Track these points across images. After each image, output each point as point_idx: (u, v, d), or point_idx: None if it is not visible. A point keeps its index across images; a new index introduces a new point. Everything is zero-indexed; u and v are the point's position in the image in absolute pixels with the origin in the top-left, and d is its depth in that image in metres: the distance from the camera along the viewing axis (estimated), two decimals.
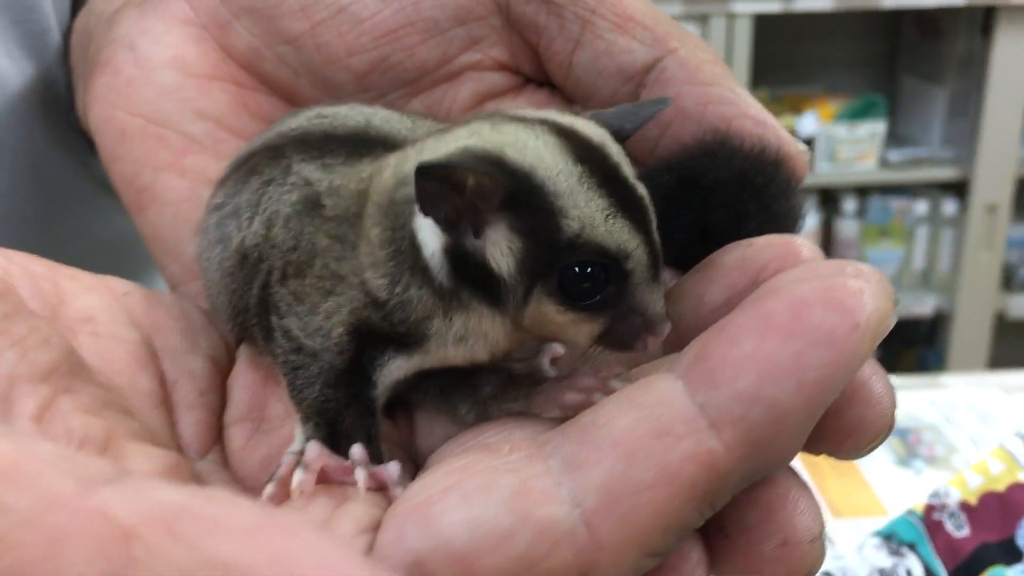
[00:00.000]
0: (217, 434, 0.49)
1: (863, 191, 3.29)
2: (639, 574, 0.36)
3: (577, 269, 0.42)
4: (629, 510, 0.34)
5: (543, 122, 0.44)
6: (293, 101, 0.59)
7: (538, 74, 0.57)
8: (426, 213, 0.42)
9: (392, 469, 0.42)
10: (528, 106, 0.56)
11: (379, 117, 0.51)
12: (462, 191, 0.41)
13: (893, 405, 0.41)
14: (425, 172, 0.40)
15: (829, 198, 3.33)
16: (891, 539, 0.96)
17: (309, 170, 0.47)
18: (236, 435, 0.49)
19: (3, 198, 0.69)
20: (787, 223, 0.48)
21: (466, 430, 0.46)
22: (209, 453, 0.48)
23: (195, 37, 0.58)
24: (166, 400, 0.48)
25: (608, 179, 0.42)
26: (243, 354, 0.51)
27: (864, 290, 0.35)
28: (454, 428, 0.47)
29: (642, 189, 0.43)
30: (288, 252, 0.46)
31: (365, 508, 0.39)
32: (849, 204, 3.28)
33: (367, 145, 0.48)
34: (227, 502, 0.27)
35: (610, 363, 0.45)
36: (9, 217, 0.69)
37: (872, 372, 0.40)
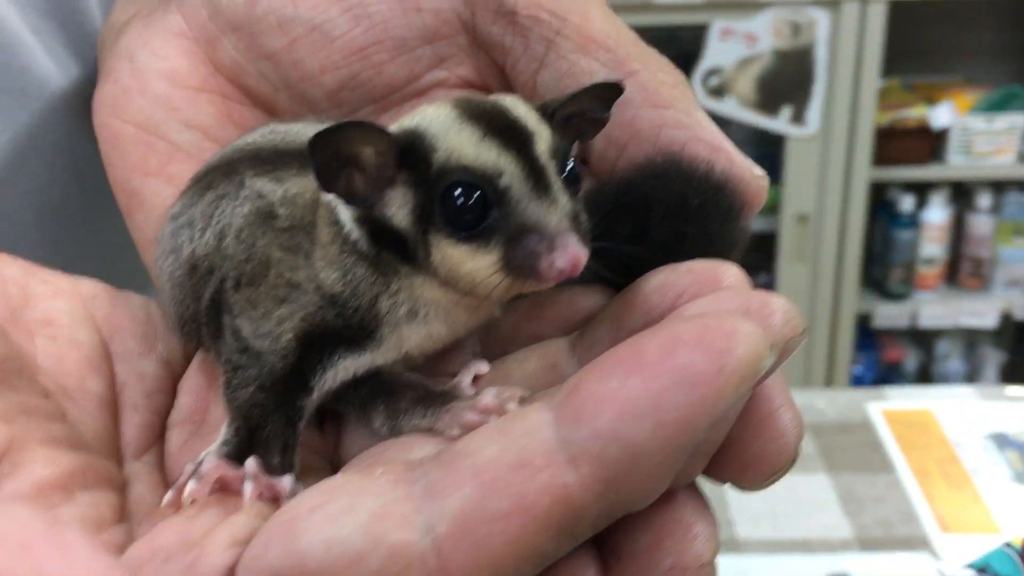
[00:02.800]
0: (159, 435, 0.51)
1: (999, 186, 3.15)
2: None
3: (452, 194, 0.43)
4: (481, 538, 0.35)
5: (456, 99, 0.46)
6: (274, 114, 0.61)
7: (506, 92, 0.57)
8: (324, 187, 0.44)
9: (285, 482, 0.44)
10: None
11: None
12: (357, 159, 0.44)
13: (798, 438, 0.41)
14: (316, 143, 0.42)
15: (962, 192, 3.20)
16: (985, 573, 0.92)
17: (262, 183, 0.49)
18: (175, 437, 0.51)
19: (42, 193, 0.72)
20: (724, 247, 0.47)
21: (375, 445, 0.48)
22: (146, 454, 0.50)
23: (187, 51, 0.61)
24: (113, 402, 0.50)
25: (487, 118, 0.44)
26: (197, 358, 0.54)
27: (739, 333, 0.35)
28: (373, 440, 0.49)
29: (535, 128, 0.45)
30: (242, 263, 0.48)
31: (248, 521, 0.41)
32: (983, 200, 3.14)
33: None
34: (11, 516, 0.29)
35: (513, 386, 0.46)
36: (47, 212, 0.73)
37: (780, 404, 0.41)
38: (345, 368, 0.48)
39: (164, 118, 0.60)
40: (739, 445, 0.40)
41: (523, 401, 0.44)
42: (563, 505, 0.35)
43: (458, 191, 0.43)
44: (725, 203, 0.48)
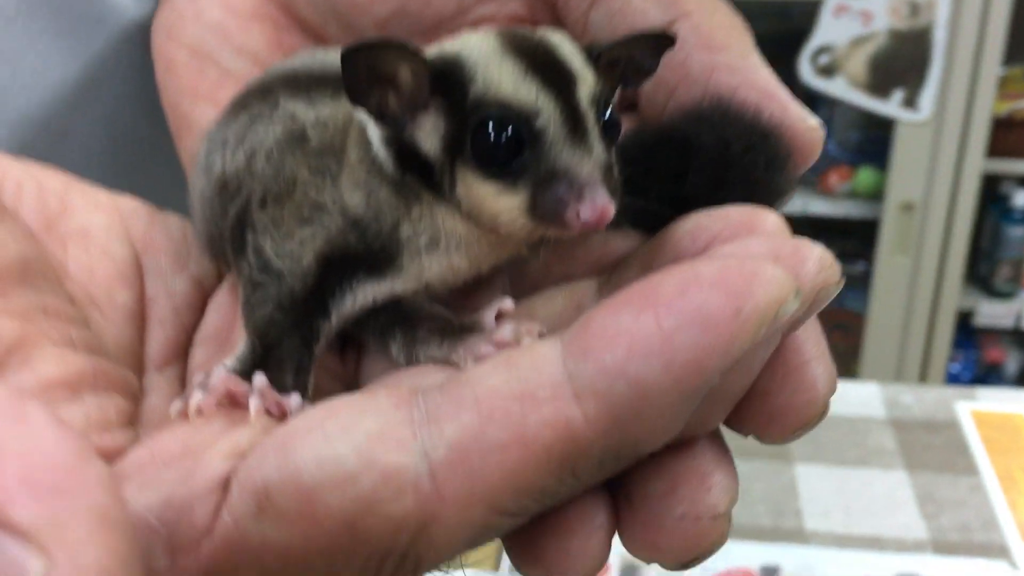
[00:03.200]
0: (184, 351, 0.52)
1: None
2: (496, 530, 0.37)
3: (485, 129, 0.42)
4: (476, 467, 0.34)
5: (502, 30, 0.45)
6: (323, 42, 0.61)
7: (558, 28, 0.57)
8: (354, 101, 0.43)
9: (293, 400, 0.44)
10: None
11: None
12: (392, 78, 0.43)
13: (828, 392, 0.39)
14: (349, 56, 0.41)
15: None
16: None
17: (295, 106, 0.49)
18: (199, 353, 0.52)
19: (113, 120, 0.74)
20: (768, 197, 0.45)
21: (390, 372, 0.48)
22: (168, 368, 0.50)
23: None
24: (140, 314, 0.51)
25: (531, 54, 0.43)
26: (229, 279, 0.54)
27: (761, 275, 0.33)
28: (392, 368, 0.49)
29: (579, 71, 0.43)
30: (269, 182, 0.48)
31: (251, 434, 0.40)
32: None
33: None
34: None
35: (533, 321, 0.45)
36: (118, 138, 0.75)
37: (812, 356, 0.39)
38: (365, 294, 0.48)
39: (216, 44, 0.61)
40: (764, 396, 0.39)
41: (541, 336, 0.43)
42: (565, 440, 0.34)
43: (492, 125, 0.42)
44: (771, 151, 0.46)
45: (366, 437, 0.36)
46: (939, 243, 2.87)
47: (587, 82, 0.43)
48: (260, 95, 0.52)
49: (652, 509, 0.39)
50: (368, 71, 0.43)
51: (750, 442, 0.42)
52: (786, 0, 2.80)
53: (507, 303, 0.49)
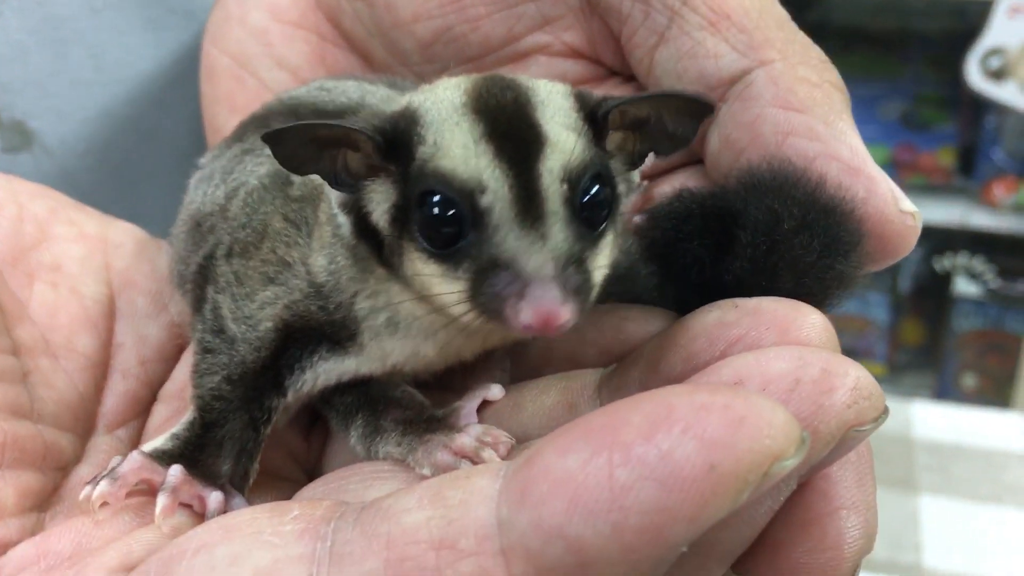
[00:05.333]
0: (145, 407, 0.48)
1: None
2: None
3: (427, 203, 0.37)
4: None
5: (480, 78, 0.40)
6: (369, 62, 0.58)
7: (623, 67, 0.50)
8: (290, 171, 0.40)
9: (212, 498, 0.40)
10: None
11: (377, 96, 0.49)
12: (332, 143, 0.39)
13: (860, 551, 0.32)
14: (274, 137, 0.38)
15: None
16: None
17: None
18: (159, 411, 0.48)
19: (198, 117, 0.73)
20: (821, 288, 0.38)
21: (340, 469, 0.43)
22: (122, 428, 0.47)
23: None
24: (102, 364, 0.47)
25: (494, 113, 0.37)
26: None
27: (750, 420, 0.26)
28: (355, 456, 0.45)
29: (553, 137, 0.36)
30: (238, 229, 0.45)
31: (151, 540, 0.37)
32: None
33: None
34: None
35: (502, 431, 0.40)
36: (203, 136, 0.74)
37: (844, 503, 0.32)
38: (327, 372, 0.44)
39: (258, 53, 0.58)
40: (776, 548, 0.33)
41: (512, 449, 0.38)
42: None
43: (432, 200, 0.37)
44: (830, 232, 0.39)
45: (253, 573, 0.31)
46: None
47: (561, 152, 0.37)
48: (257, 126, 0.48)
49: None
50: (306, 141, 0.39)
51: None
52: None
53: (494, 392, 0.44)
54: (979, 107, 2.67)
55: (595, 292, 0.37)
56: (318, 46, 0.59)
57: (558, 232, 0.36)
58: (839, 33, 2.85)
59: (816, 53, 0.44)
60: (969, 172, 2.74)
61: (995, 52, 2.65)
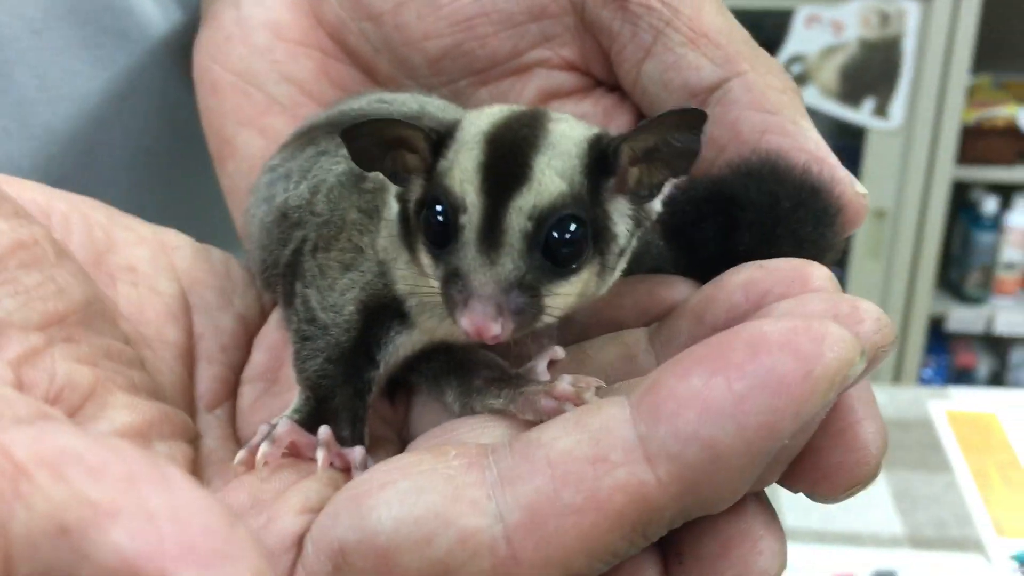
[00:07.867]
0: (232, 390, 0.51)
1: None
2: None
3: (432, 207, 0.43)
4: (552, 531, 0.34)
5: (513, 113, 0.45)
6: (372, 75, 0.60)
7: (609, 78, 0.56)
8: (360, 166, 0.44)
9: (356, 453, 0.44)
10: (594, 109, 0.57)
11: (434, 105, 0.53)
12: (402, 142, 0.43)
13: (880, 452, 0.39)
14: (351, 131, 0.42)
15: None
16: None
17: None
18: (247, 393, 0.51)
19: (136, 136, 0.73)
20: (815, 252, 0.46)
21: (445, 423, 0.47)
22: (218, 408, 0.50)
23: (292, 3, 0.61)
24: (190, 352, 0.50)
25: (498, 146, 0.42)
26: (274, 316, 0.54)
27: (829, 337, 0.34)
28: (444, 415, 0.48)
29: (536, 178, 0.42)
30: (322, 225, 0.48)
31: (319, 488, 0.41)
32: None
33: None
34: (118, 450, 0.29)
35: (590, 376, 0.43)
36: (140, 155, 0.74)
37: (864, 415, 0.39)
38: (403, 344, 0.48)
39: (263, 69, 0.60)
40: (817, 454, 0.39)
41: (599, 391, 0.42)
42: (639, 504, 0.34)
43: (433, 204, 0.43)
44: (819, 207, 0.47)
45: (441, 498, 0.36)
46: (910, 249, 2.88)
47: (536, 194, 0.41)
48: (327, 131, 0.52)
49: (704, 569, 0.38)
50: (377, 139, 0.43)
51: None
52: (758, 9, 2.74)
53: (558, 352, 0.48)
54: None
55: (544, 316, 0.42)
56: (322, 62, 0.60)
57: (508, 262, 0.41)
58: None
59: (776, 65, 0.51)
60: None
61: (796, 59, 2.78)
